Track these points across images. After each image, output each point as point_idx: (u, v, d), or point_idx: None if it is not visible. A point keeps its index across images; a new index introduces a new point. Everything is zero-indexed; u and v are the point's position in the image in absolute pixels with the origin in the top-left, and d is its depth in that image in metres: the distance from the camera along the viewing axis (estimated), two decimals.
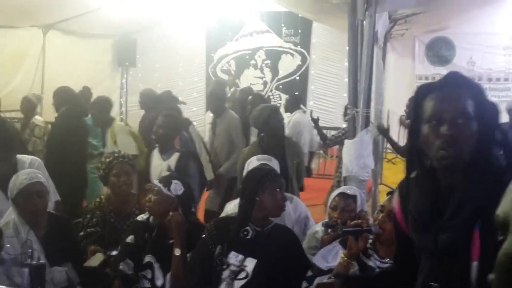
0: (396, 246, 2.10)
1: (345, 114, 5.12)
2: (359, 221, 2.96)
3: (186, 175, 4.44)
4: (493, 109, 1.74)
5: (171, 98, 7.30)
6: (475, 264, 1.63)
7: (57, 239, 3.39)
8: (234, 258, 3.08)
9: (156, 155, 5.06)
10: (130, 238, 3.45)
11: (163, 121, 5.04)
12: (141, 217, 3.59)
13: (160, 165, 4.92)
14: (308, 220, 4.02)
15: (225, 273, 3.05)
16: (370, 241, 2.99)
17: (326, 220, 3.57)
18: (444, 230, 1.71)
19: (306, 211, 4.06)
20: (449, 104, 1.71)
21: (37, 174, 3.44)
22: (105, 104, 6.30)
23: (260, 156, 4.18)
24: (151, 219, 3.52)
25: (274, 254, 3.06)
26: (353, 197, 3.60)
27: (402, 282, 1.97)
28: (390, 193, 3.17)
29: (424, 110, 1.75)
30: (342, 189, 3.76)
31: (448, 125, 1.68)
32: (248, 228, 3.13)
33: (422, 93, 1.80)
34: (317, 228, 3.71)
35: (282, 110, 7.32)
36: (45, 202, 3.42)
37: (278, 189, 3.17)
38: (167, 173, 4.35)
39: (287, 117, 7.75)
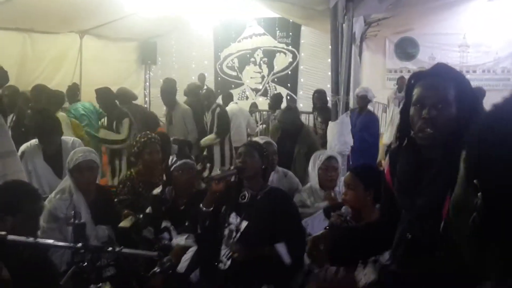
0: (382, 201, 2.10)
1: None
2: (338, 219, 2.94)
3: None
4: (473, 97, 1.71)
5: (126, 93, 6.95)
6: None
7: (101, 204, 3.43)
8: (233, 218, 3.03)
9: None
10: (149, 209, 3.45)
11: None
12: (156, 191, 3.57)
13: None
14: (299, 192, 4.04)
15: (226, 231, 3.03)
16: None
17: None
18: (421, 194, 1.72)
19: (297, 184, 4.08)
20: (430, 91, 1.70)
21: (92, 153, 3.46)
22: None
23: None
24: (166, 191, 3.49)
25: (263, 216, 2.95)
26: (335, 159, 3.71)
27: (385, 232, 1.98)
28: (350, 170, 3.22)
29: (412, 94, 1.76)
30: (329, 153, 3.85)
31: (428, 109, 1.69)
32: (245, 192, 3.06)
33: (413, 79, 1.80)
34: (302, 192, 3.78)
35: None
36: (95, 175, 3.46)
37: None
38: None
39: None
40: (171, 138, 5.08)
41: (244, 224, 2.97)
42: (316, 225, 3.19)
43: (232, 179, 3.12)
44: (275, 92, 11.52)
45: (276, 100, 8.52)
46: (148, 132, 4.60)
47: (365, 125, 6.67)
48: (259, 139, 3.96)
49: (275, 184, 3.83)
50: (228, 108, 7.58)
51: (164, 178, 3.53)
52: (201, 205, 3.02)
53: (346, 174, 3.21)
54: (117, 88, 6.87)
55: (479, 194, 0.81)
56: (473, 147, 0.84)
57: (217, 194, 2.98)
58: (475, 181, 0.82)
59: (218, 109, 6.53)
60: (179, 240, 3.32)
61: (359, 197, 2.94)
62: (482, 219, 0.81)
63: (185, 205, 3.46)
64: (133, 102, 7.10)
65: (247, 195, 3.05)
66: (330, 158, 3.75)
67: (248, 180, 3.07)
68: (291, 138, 4.95)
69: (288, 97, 12.00)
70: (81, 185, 3.35)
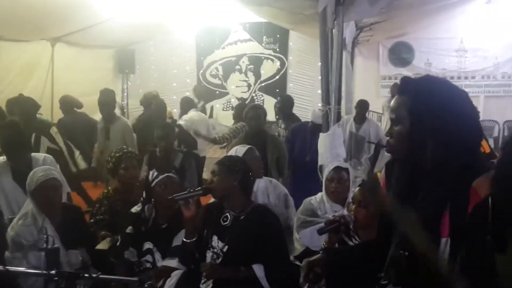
0: (378, 216, 2.11)
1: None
2: (336, 217, 2.99)
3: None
4: (436, 109, 1.69)
5: (68, 102, 6.83)
6: (444, 240, 1.63)
7: (71, 226, 3.40)
8: (215, 242, 3.00)
9: None
10: (129, 229, 3.41)
11: None
12: (135, 209, 3.53)
13: None
14: (287, 196, 4.05)
15: (208, 255, 3.01)
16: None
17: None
18: (416, 208, 1.72)
19: (284, 190, 4.11)
20: (393, 109, 1.77)
21: (52, 171, 3.43)
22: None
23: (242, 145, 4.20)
24: (146, 209, 3.45)
25: (246, 240, 2.93)
26: (346, 170, 3.73)
27: (383, 249, 1.99)
28: (360, 185, 3.22)
29: None
30: (336, 163, 3.87)
31: (392, 127, 1.77)
32: (227, 213, 3.02)
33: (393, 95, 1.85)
34: (312, 197, 3.80)
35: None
36: (59, 195, 3.42)
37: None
38: None
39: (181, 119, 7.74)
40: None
41: (227, 248, 2.96)
42: (316, 238, 3.20)
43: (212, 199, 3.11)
44: (261, 101, 11.58)
45: (186, 104, 8.33)
46: (124, 146, 4.58)
47: (375, 134, 6.87)
48: (235, 150, 3.92)
49: (261, 191, 3.83)
50: (187, 117, 7.55)
51: (144, 195, 3.49)
52: (183, 238, 3.01)
53: (356, 189, 3.20)
54: (96, 98, 6.78)
55: None
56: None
57: (192, 220, 2.96)
58: None
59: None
60: (169, 262, 3.28)
61: (372, 216, 2.90)
62: None
63: (168, 223, 3.44)
64: (78, 110, 7.04)
65: (229, 217, 3.03)
66: (337, 169, 3.75)
67: (223, 201, 3.05)
68: (259, 146, 4.98)
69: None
70: (45, 207, 3.32)
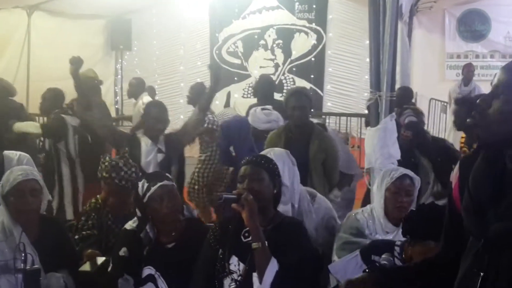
0: (445, 224, 2.11)
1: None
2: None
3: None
4: None
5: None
6: None
7: (51, 243, 3.42)
8: (235, 265, 3.02)
9: None
10: (123, 251, 3.41)
11: None
12: (130, 225, 3.54)
13: None
14: (335, 220, 3.98)
15: (226, 281, 3.01)
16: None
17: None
18: (500, 217, 1.73)
19: (331, 211, 4.02)
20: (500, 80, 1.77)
21: (33, 171, 3.47)
22: None
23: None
24: (148, 229, 3.46)
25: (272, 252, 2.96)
26: (412, 179, 3.71)
27: (447, 268, 2.00)
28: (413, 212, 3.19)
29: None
30: (402, 170, 3.84)
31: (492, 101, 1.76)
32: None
33: None
34: (358, 210, 3.80)
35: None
36: (38, 202, 3.45)
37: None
38: None
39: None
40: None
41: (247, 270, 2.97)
42: (350, 272, 3.18)
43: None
44: (292, 86, 11.56)
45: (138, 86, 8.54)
46: (118, 151, 4.64)
47: None
48: (271, 152, 3.90)
49: (313, 217, 3.77)
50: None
51: (138, 213, 3.50)
52: (252, 243, 3.00)
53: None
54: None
55: None
56: None
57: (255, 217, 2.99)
58: None
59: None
60: None
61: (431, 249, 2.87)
62: None
63: (175, 242, 3.46)
64: (10, 98, 7.12)
65: None
66: (405, 177, 3.73)
67: (259, 212, 3.07)
68: (302, 142, 4.93)
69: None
70: (21, 217, 3.35)
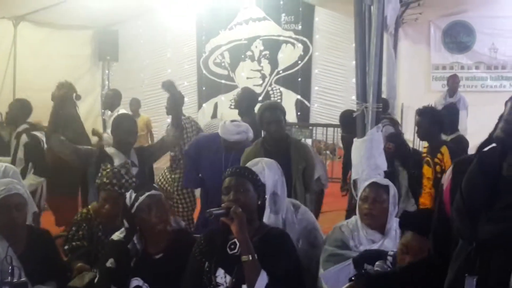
0: (434, 226, 2.12)
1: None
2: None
3: None
4: None
5: None
6: None
7: (38, 255, 3.41)
8: (221, 277, 3.01)
9: None
10: (110, 262, 3.40)
11: None
12: (117, 236, 3.53)
13: None
14: (317, 231, 4.00)
15: None
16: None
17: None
18: (492, 220, 1.74)
19: (313, 223, 4.04)
20: None
21: (16, 185, 3.45)
22: None
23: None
24: (135, 240, 3.45)
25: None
26: (385, 187, 3.70)
27: (435, 272, 2.01)
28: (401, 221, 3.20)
29: None
30: (373, 179, 3.86)
31: None
32: (235, 240, 3.02)
33: None
34: (344, 222, 3.79)
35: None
36: (24, 216, 3.44)
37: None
38: None
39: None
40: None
41: (234, 282, 2.94)
42: (342, 281, 3.18)
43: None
44: (279, 97, 11.59)
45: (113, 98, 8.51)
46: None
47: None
48: (255, 163, 3.90)
49: (296, 226, 3.78)
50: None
51: (126, 224, 3.50)
52: (242, 256, 3.01)
53: (407, 234, 3.15)
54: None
55: None
56: None
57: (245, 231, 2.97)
58: None
59: (24, 137, 6.33)
60: None
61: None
62: None
63: (163, 253, 3.45)
64: None
65: (237, 243, 3.03)
66: (374, 186, 3.73)
67: (247, 223, 3.08)
68: (282, 154, 4.94)
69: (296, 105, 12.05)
70: (5, 231, 3.34)
